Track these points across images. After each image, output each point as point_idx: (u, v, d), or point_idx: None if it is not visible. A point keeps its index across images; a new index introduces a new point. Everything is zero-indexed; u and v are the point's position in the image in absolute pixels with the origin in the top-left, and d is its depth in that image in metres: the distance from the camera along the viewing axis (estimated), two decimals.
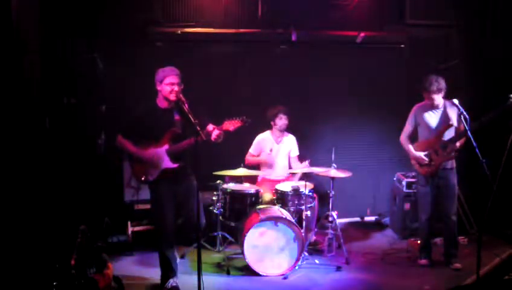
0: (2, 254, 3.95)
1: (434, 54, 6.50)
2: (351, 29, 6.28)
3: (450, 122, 4.96)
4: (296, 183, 5.49)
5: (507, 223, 5.85)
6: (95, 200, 5.48)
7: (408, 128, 5.21)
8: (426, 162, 5.03)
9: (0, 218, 4.04)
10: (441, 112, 5.03)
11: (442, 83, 4.94)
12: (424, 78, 4.99)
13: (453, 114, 4.97)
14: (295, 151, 5.94)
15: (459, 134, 4.91)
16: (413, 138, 5.22)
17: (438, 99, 4.98)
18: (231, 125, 4.23)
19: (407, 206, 5.99)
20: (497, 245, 5.46)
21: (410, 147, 5.16)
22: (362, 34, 6.24)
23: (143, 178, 4.41)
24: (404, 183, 6.02)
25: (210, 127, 4.34)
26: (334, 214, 5.46)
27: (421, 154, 5.05)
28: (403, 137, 5.23)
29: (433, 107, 5.03)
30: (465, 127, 4.37)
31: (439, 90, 4.93)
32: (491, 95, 5.63)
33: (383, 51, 6.51)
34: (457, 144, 4.92)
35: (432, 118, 5.06)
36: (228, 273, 5.01)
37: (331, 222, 5.45)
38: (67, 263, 3.98)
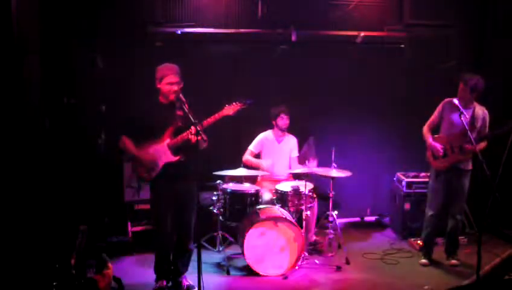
0: (2, 254, 3.95)
1: (434, 54, 6.50)
2: (351, 29, 6.29)
3: (474, 124, 4.87)
4: (296, 183, 5.49)
5: (507, 223, 5.85)
6: (95, 200, 5.47)
7: (433, 119, 5.13)
8: (441, 154, 4.98)
9: (0, 218, 4.04)
10: (469, 112, 4.90)
11: (481, 84, 4.83)
12: (470, 73, 4.90)
13: (479, 117, 4.90)
14: (295, 152, 5.93)
15: (479, 138, 4.84)
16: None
17: (471, 98, 4.88)
18: (231, 109, 4.23)
19: (407, 206, 5.99)
20: (497, 245, 5.47)
21: (429, 136, 5.09)
22: (362, 34, 6.25)
23: (145, 175, 4.40)
24: (404, 183, 6.01)
25: None
26: (334, 214, 5.47)
27: (438, 145, 5.00)
28: (426, 127, 5.15)
29: (462, 105, 4.81)
30: (487, 133, 4.19)
31: (476, 90, 4.81)
32: (490, 96, 5.62)
33: (383, 51, 6.51)
34: (476, 146, 4.82)
35: (458, 117, 4.95)
36: (228, 273, 5.01)
37: (331, 222, 5.46)
38: (67, 263, 3.98)
